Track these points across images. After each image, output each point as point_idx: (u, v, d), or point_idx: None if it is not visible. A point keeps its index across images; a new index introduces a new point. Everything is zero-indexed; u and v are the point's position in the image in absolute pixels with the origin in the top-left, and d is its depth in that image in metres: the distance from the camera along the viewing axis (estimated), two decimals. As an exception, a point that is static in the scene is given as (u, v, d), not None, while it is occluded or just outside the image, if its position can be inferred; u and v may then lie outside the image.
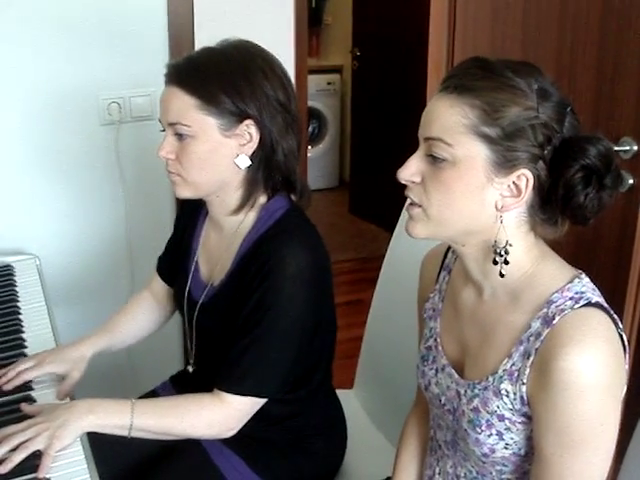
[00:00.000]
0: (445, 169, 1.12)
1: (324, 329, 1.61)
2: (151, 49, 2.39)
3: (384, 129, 5.16)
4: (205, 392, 1.50)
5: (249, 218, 1.58)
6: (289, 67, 2.69)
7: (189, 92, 1.46)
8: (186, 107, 1.46)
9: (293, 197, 1.62)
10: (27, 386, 1.55)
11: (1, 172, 2.33)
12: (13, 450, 1.29)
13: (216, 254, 1.64)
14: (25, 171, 2.36)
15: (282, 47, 2.63)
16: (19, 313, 1.90)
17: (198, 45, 2.33)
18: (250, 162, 1.51)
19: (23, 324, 1.84)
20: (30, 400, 1.50)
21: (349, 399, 2.06)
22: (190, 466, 1.63)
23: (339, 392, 1.82)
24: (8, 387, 1.53)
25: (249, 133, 1.49)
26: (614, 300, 1.16)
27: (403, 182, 1.18)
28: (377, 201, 5.27)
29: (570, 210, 1.12)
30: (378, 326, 2.07)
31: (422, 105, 1.22)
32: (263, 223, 1.55)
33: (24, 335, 1.78)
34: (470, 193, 1.12)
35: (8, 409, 1.47)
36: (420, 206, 1.16)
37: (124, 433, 1.41)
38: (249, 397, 1.48)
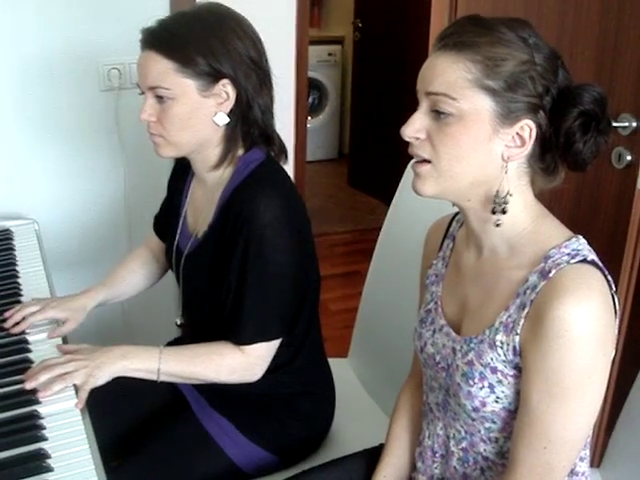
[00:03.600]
0: (452, 123, 1.15)
1: (305, 273, 1.64)
2: (152, 15, 2.36)
3: (384, 101, 5.15)
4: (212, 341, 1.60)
5: (228, 170, 1.63)
6: (290, 37, 2.70)
7: (166, 56, 1.51)
8: (165, 71, 1.51)
9: (272, 153, 1.67)
10: (23, 339, 1.60)
11: (1, 137, 2.33)
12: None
13: (200, 207, 1.71)
14: (25, 136, 2.36)
15: (284, 17, 2.62)
16: (17, 277, 1.91)
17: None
18: (228, 119, 1.57)
19: (21, 287, 1.85)
20: (29, 362, 1.52)
21: (343, 367, 2.09)
22: (182, 433, 1.68)
23: (333, 360, 1.85)
24: (15, 330, 1.61)
25: (225, 92, 1.54)
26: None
27: (407, 139, 1.20)
28: (376, 173, 5.27)
29: (570, 156, 1.16)
30: (373, 296, 2.09)
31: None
32: (239, 174, 1.60)
33: (22, 298, 1.79)
34: (478, 145, 1.15)
35: (8, 370, 1.49)
36: (429, 162, 1.19)
37: (153, 377, 1.52)
38: (262, 343, 1.56)
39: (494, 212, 1.18)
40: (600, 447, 1.61)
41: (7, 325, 1.62)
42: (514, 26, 1.15)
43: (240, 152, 1.62)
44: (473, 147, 1.15)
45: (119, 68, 2.40)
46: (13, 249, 2.09)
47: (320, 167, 6.04)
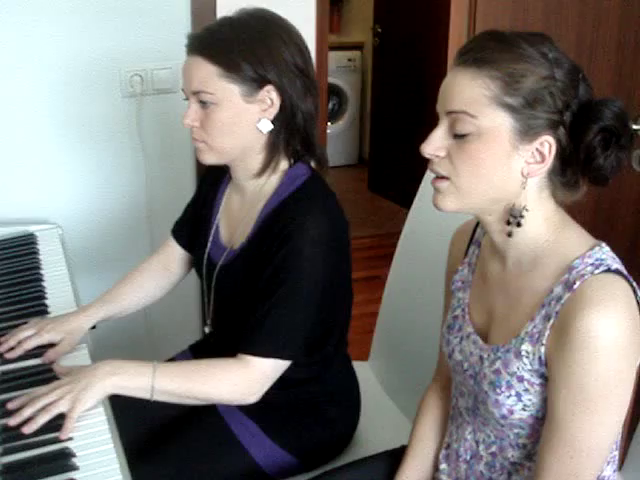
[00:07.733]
0: (471, 141, 1.15)
1: (339, 294, 1.63)
2: (173, 22, 2.41)
3: (404, 106, 5.15)
4: (227, 357, 1.51)
5: (271, 182, 1.61)
6: (310, 43, 2.68)
7: (211, 61, 1.49)
8: (209, 75, 1.50)
9: (312, 165, 1.65)
10: (34, 354, 1.56)
11: (25, 143, 2.36)
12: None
13: (237, 217, 1.68)
14: (48, 142, 2.39)
15: (303, 23, 2.61)
16: (42, 280, 1.93)
17: (220, 19, 2.34)
18: (272, 126, 1.54)
19: (46, 291, 1.87)
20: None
21: (364, 370, 2.09)
22: (207, 433, 1.67)
23: (354, 363, 1.85)
24: (10, 356, 1.55)
25: (270, 98, 1.52)
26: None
27: (427, 157, 1.20)
28: (396, 178, 5.27)
29: (591, 172, 1.16)
30: (393, 301, 2.10)
31: (443, 83, 1.23)
32: (285, 189, 1.58)
33: (47, 301, 1.82)
34: (497, 162, 1.15)
35: (18, 375, 1.50)
36: (448, 179, 1.19)
37: (146, 396, 1.42)
38: (272, 359, 1.49)
39: (508, 223, 1.19)
40: (621, 450, 1.60)
41: (1, 349, 1.56)
42: (534, 41, 1.15)
43: (284, 164, 1.61)
44: (492, 165, 1.15)
45: (141, 74, 2.42)
46: (37, 253, 2.12)
47: (340, 172, 6.04)
